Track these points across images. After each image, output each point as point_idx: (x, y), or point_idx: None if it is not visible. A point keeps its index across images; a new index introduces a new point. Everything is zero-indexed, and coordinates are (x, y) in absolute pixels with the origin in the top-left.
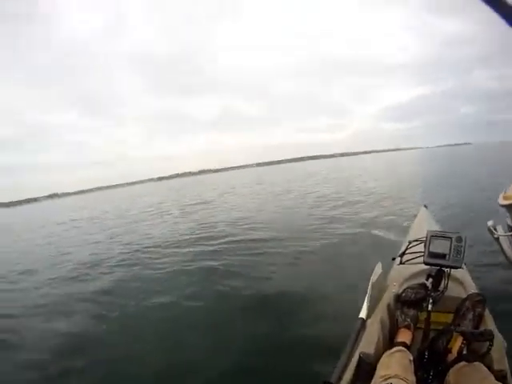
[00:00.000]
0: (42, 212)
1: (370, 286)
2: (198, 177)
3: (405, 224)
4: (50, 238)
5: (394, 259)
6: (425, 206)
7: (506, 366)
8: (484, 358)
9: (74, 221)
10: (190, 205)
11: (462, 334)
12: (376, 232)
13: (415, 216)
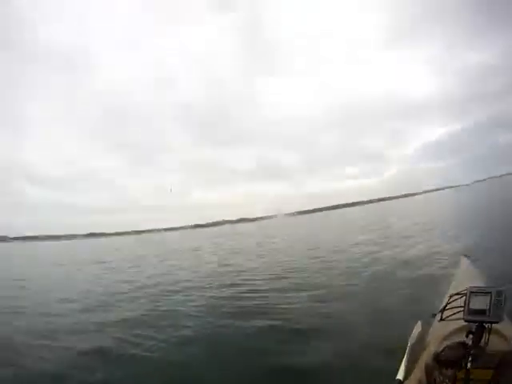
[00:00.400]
0: (79, 248)
1: (408, 347)
2: (236, 225)
3: (446, 276)
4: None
5: (434, 315)
6: (466, 256)
7: None
8: None
9: (104, 262)
10: (227, 253)
11: None
12: (416, 285)
13: (456, 267)
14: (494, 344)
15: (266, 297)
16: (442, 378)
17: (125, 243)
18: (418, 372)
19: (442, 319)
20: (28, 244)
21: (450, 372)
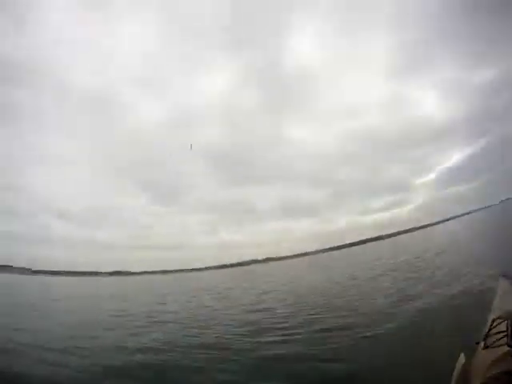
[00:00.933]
0: (104, 287)
1: (452, 381)
2: (263, 265)
3: (485, 298)
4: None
5: (477, 343)
6: (504, 276)
7: None
8: None
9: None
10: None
11: None
12: (456, 311)
13: (496, 288)
14: None
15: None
16: None
17: (156, 282)
18: None
19: (485, 347)
20: (54, 278)
21: None
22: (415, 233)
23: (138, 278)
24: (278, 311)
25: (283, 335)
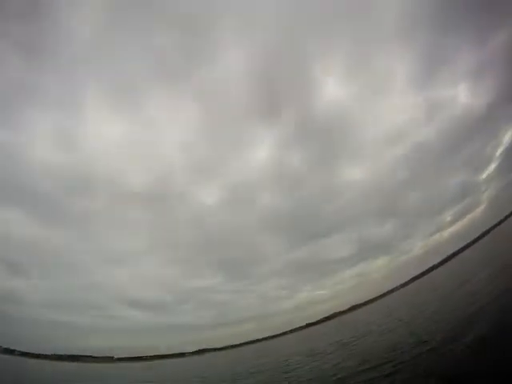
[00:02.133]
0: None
1: None
2: (348, 315)
3: None
4: None
5: None
6: None
7: None
8: None
9: None
10: None
11: None
12: None
13: None
14: None
15: None
16: None
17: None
18: None
19: None
20: (136, 364)
21: None
22: (496, 229)
23: (222, 352)
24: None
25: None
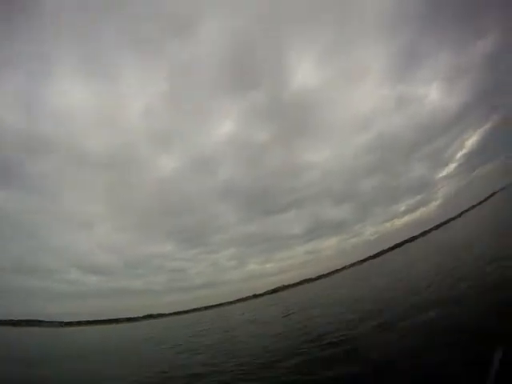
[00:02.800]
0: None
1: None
2: (298, 287)
3: None
4: None
5: None
6: None
7: None
8: None
9: None
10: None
11: None
12: None
13: None
14: None
15: None
16: None
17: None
18: None
19: None
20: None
21: None
22: (450, 224)
23: (169, 318)
24: None
25: None
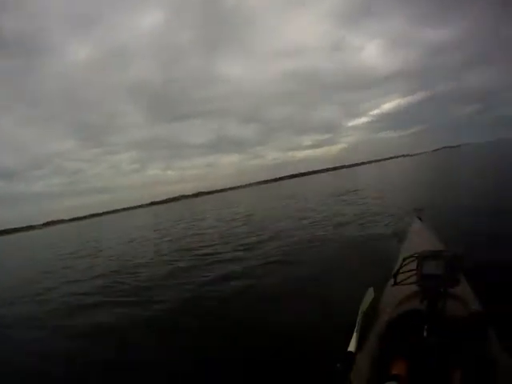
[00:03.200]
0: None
1: (359, 316)
2: (194, 199)
3: (398, 238)
4: None
5: (387, 280)
6: (419, 218)
7: None
8: None
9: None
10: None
11: (463, 367)
12: (368, 248)
13: (409, 229)
14: (451, 309)
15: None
16: (397, 347)
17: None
18: (371, 343)
19: (395, 284)
20: None
21: (405, 341)
22: (343, 170)
23: (69, 224)
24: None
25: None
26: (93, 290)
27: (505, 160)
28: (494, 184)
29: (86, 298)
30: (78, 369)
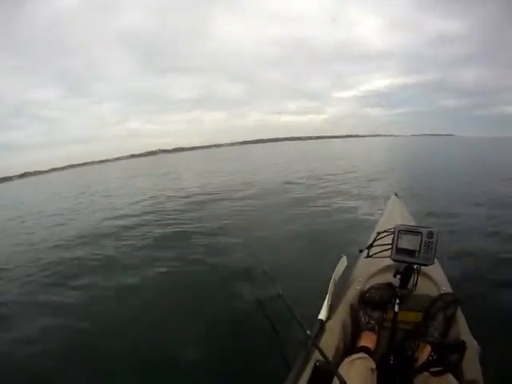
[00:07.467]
0: None
1: (331, 283)
2: (173, 154)
3: (375, 213)
4: None
5: (361, 251)
6: (396, 195)
7: (478, 375)
8: (455, 366)
9: None
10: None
11: (431, 344)
12: (342, 220)
13: (385, 205)
14: (422, 287)
15: None
16: (367, 319)
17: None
18: (342, 312)
19: (368, 256)
20: None
21: (376, 313)
22: (323, 140)
23: (46, 176)
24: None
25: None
26: None
27: (494, 154)
28: (476, 175)
29: None
30: None
